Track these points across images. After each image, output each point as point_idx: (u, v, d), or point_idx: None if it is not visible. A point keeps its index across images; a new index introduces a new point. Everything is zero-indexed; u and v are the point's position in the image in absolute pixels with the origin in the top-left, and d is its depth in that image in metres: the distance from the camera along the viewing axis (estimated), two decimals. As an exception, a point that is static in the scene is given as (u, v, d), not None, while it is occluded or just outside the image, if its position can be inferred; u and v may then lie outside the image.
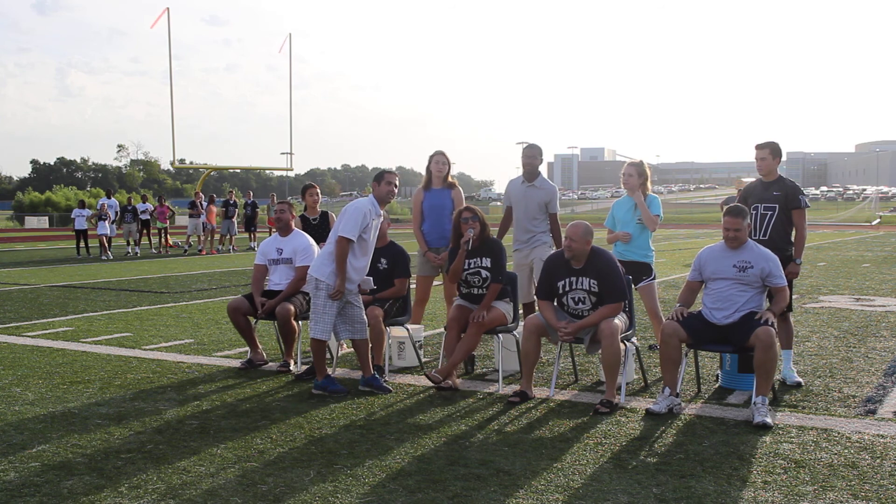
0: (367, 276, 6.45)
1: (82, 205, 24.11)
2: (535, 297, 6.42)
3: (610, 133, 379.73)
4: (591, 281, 5.91)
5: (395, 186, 6.22)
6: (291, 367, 6.96)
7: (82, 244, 23.53)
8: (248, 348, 7.29)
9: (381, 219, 6.38)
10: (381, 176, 6.25)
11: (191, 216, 25.30)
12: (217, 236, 25.95)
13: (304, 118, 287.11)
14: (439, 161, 7.46)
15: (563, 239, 6.01)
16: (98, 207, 23.90)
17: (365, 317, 6.28)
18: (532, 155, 7.29)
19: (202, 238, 25.60)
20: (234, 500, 3.97)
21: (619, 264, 6.06)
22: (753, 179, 6.77)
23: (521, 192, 7.37)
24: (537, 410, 5.64)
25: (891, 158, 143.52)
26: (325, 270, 6.08)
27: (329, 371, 6.31)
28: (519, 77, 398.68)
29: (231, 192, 27.04)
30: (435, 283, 7.86)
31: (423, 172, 7.66)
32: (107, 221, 23.35)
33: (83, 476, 4.31)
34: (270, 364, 7.13)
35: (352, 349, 7.69)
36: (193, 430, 5.17)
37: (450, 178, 7.54)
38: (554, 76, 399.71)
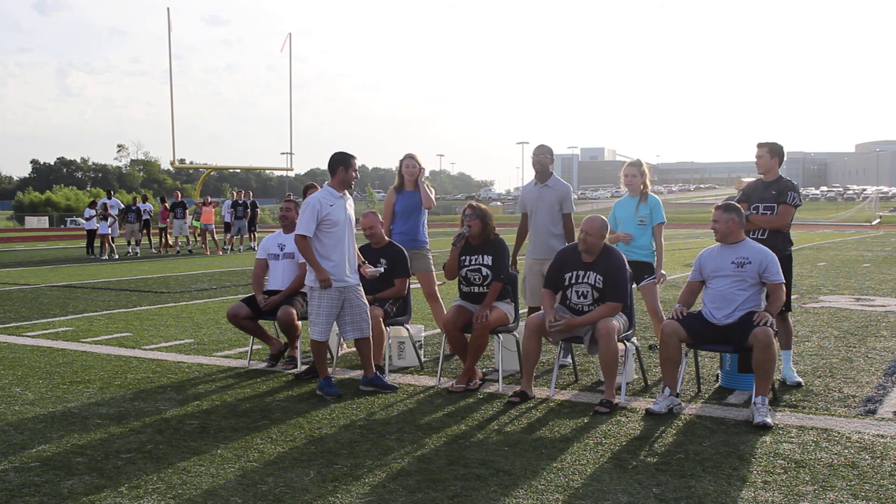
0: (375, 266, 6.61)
1: (93, 205, 24.29)
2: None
3: (610, 133, 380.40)
4: (598, 276, 5.92)
5: (356, 169, 6.28)
6: (296, 360, 7.03)
7: (96, 243, 23.72)
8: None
9: (347, 201, 6.27)
10: (348, 162, 6.20)
11: (176, 217, 25.33)
12: (220, 236, 25.97)
13: (304, 118, 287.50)
14: (409, 164, 7.48)
15: (580, 233, 5.99)
16: (100, 207, 23.85)
17: (369, 315, 6.29)
18: (540, 153, 7.21)
19: (190, 239, 25.67)
20: (234, 500, 3.97)
21: (627, 266, 6.05)
22: (753, 179, 6.78)
23: (534, 194, 7.27)
24: (537, 410, 5.64)
25: (891, 158, 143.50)
26: (311, 276, 6.15)
27: (329, 370, 6.32)
28: (519, 77, 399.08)
29: (240, 191, 26.94)
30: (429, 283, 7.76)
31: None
32: (108, 221, 23.31)
33: (83, 476, 4.31)
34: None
35: (352, 349, 7.70)
36: (193, 430, 5.17)
37: (422, 180, 7.53)
38: (554, 76, 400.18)
